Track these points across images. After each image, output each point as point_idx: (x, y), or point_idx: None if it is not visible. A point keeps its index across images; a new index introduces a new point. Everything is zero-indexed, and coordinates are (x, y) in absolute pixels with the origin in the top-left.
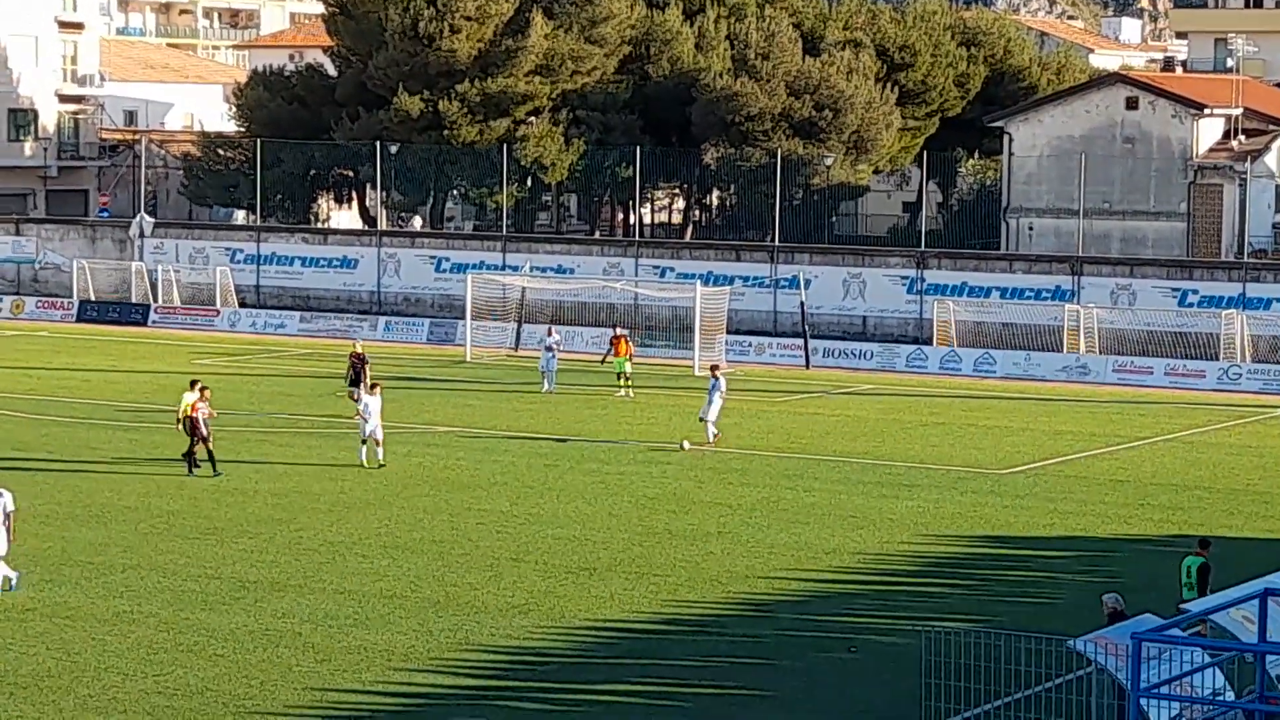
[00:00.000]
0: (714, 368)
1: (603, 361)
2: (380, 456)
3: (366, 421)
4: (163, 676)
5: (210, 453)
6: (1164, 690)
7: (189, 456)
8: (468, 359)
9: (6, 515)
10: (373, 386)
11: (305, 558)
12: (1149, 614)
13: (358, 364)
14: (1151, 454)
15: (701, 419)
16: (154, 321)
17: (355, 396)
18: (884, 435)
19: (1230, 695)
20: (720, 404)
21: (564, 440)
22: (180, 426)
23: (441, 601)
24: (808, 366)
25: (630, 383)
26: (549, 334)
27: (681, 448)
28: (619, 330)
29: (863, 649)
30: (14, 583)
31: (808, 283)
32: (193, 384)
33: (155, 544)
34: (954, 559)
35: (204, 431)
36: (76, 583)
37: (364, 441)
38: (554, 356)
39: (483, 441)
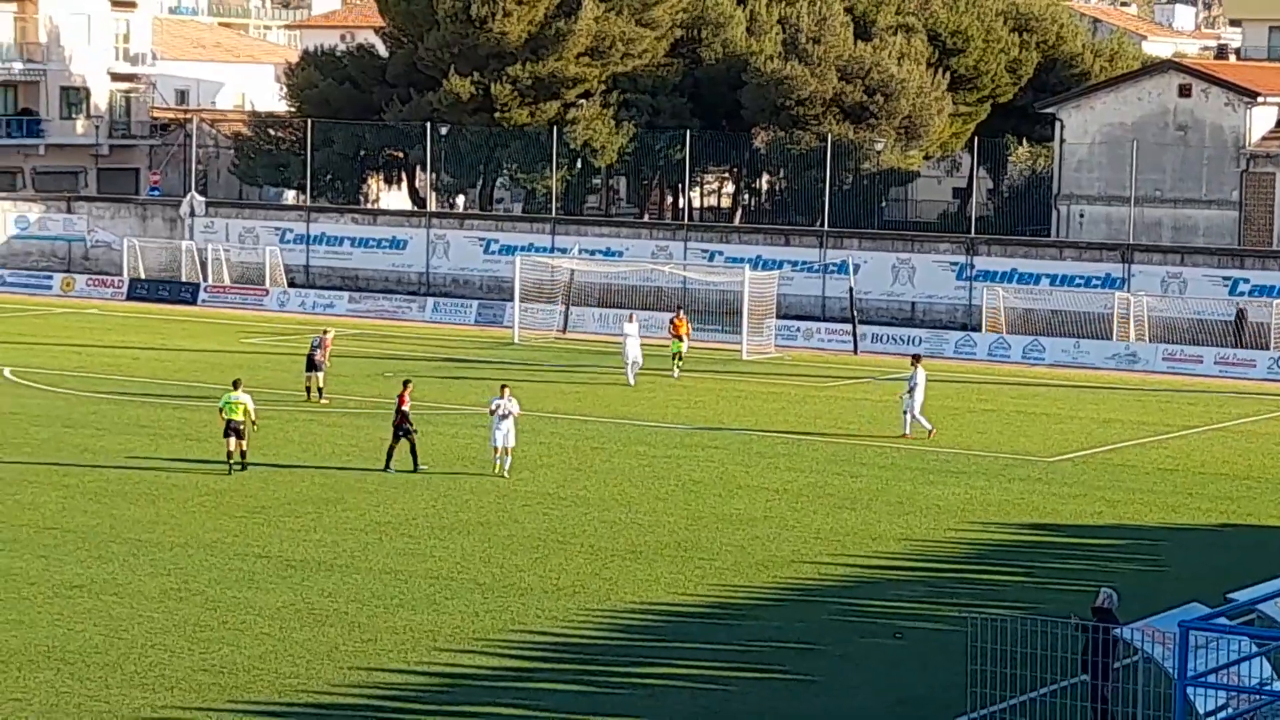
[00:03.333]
0: (915, 358)
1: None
2: (507, 466)
3: (499, 428)
4: (209, 654)
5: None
6: (1210, 679)
7: (230, 456)
8: (515, 341)
9: None
10: (503, 387)
11: (352, 538)
12: (1196, 603)
13: (317, 346)
14: (1201, 443)
15: (905, 412)
16: (203, 300)
17: (309, 381)
18: (932, 421)
19: (1277, 686)
20: (922, 397)
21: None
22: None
23: (487, 583)
24: (856, 352)
25: (681, 362)
26: (630, 320)
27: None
28: (680, 313)
29: (909, 635)
30: None
31: (857, 268)
32: (235, 384)
33: (203, 522)
34: (1001, 546)
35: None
36: (124, 560)
37: (498, 451)
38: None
39: (529, 423)
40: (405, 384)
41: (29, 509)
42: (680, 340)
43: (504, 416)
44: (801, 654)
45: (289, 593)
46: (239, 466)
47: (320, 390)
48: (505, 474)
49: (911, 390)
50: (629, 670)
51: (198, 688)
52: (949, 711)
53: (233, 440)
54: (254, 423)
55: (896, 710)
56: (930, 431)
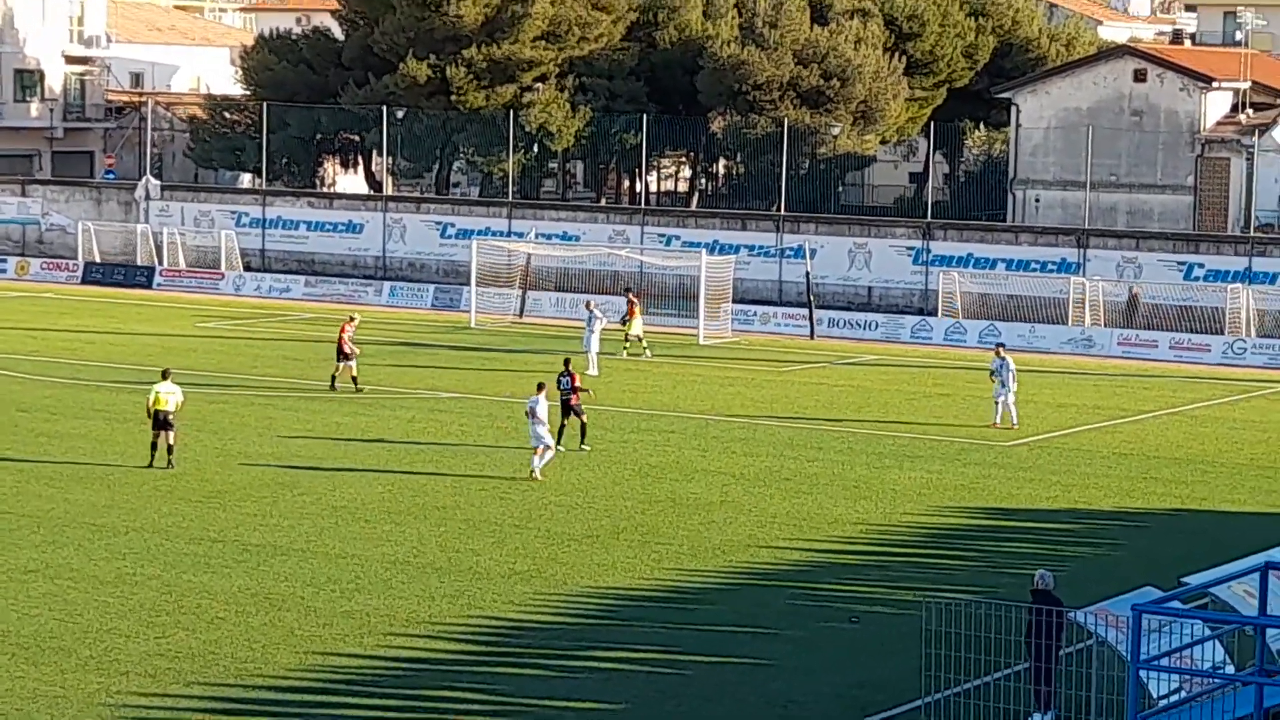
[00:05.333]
0: (999, 347)
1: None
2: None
3: (542, 427)
4: (164, 639)
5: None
6: (1164, 663)
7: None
8: (472, 325)
9: None
10: (540, 386)
11: (307, 522)
12: (1150, 586)
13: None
14: (1155, 428)
15: (997, 400)
16: (159, 284)
17: (339, 371)
18: (888, 406)
19: (1230, 669)
20: (1015, 386)
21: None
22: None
23: (444, 567)
24: (812, 336)
25: (644, 344)
26: (588, 306)
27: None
28: (631, 294)
29: (864, 619)
30: None
31: (813, 252)
32: (164, 374)
33: (158, 506)
34: (957, 530)
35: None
36: (79, 544)
37: (537, 450)
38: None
39: (486, 407)
40: (350, 318)
41: None
42: (632, 321)
43: (538, 419)
44: (758, 638)
45: (244, 577)
46: (164, 464)
47: (355, 379)
48: (539, 475)
49: (1003, 380)
50: (585, 654)
51: (153, 672)
52: (905, 695)
53: (162, 433)
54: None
55: (854, 694)
56: (1014, 425)
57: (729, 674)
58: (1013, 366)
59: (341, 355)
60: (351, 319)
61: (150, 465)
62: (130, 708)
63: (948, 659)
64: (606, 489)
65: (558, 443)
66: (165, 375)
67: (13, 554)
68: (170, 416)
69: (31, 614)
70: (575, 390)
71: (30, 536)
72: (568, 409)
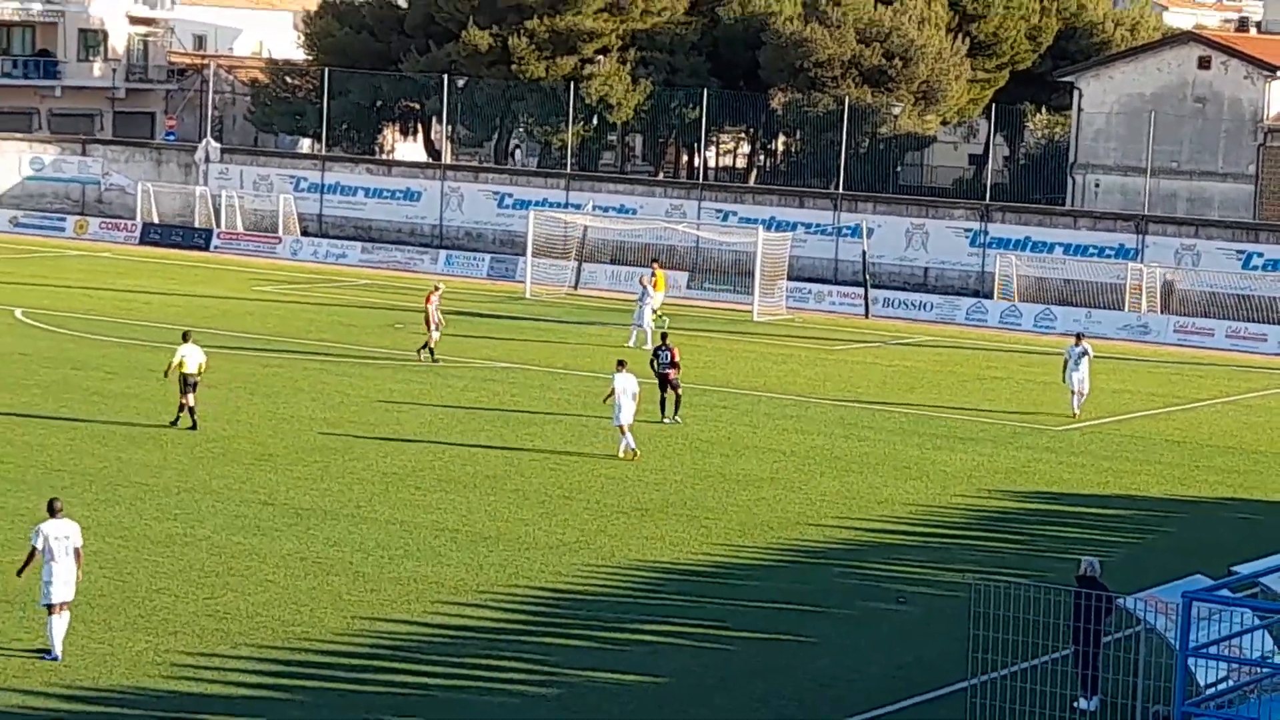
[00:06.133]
0: (1079, 336)
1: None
2: (632, 444)
3: (622, 405)
4: (213, 599)
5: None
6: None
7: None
8: (527, 295)
9: (76, 551)
10: (620, 364)
11: (358, 488)
12: (1200, 574)
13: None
14: (1209, 416)
15: (1073, 392)
16: (216, 247)
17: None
18: (941, 387)
19: (1278, 658)
20: (1087, 370)
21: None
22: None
23: (492, 536)
24: (867, 316)
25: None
26: (642, 281)
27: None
28: (657, 264)
29: (911, 600)
30: (56, 653)
31: (870, 232)
32: (185, 336)
33: (210, 468)
34: (1007, 514)
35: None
36: (130, 503)
37: (622, 429)
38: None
39: (539, 378)
40: (436, 288)
41: (36, 450)
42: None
43: (628, 394)
44: (804, 616)
45: (294, 541)
46: (189, 424)
47: (430, 349)
48: (621, 454)
49: (1078, 366)
50: (631, 627)
51: (201, 633)
52: (950, 676)
53: (189, 395)
54: (200, 375)
55: (899, 674)
56: (1075, 414)
57: (774, 650)
58: (1091, 353)
59: (430, 324)
60: (437, 288)
61: (174, 424)
62: (178, 667)
63: (994, 641)
64: (656, 463)
65: (664, 416)
66: (186, 337)
67: (66, 511)
68: (194, 378)
69: (83, 572)
70: (674, 364)
71: (82, 495)
72: (665, 383)
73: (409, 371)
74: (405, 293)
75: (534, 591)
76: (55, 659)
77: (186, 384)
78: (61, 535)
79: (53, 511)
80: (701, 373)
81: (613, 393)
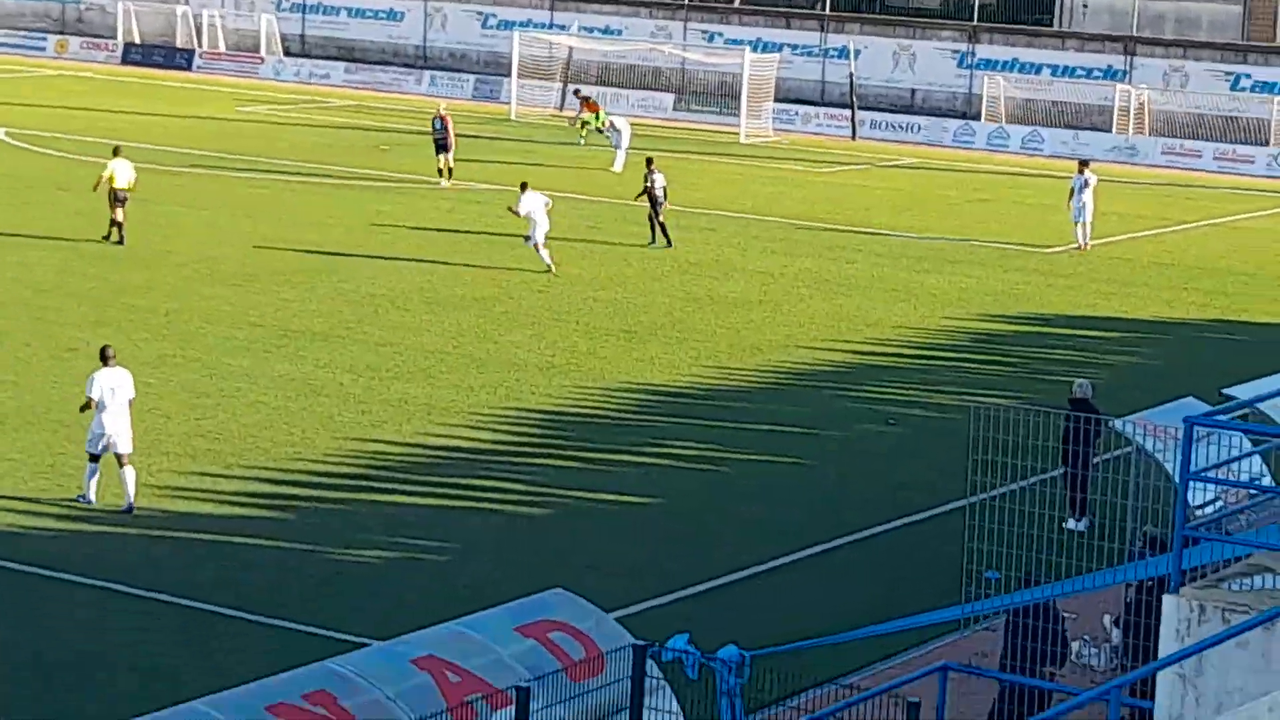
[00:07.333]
0: (1084, 164)
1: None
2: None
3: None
4: (205, 419)
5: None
6: (1210, 475)
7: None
8: (512, 117)
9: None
10: (524, 185)
11: (347, 309)
12: (1191, 398)
13: (441, 129)
14: (1197, 238)
15: (1077, 223)
16: (199, 67)
17: (441, 167)
18: (929, 210)
19: (1268, 480)
20: (1092, 204)
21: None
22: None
23: (483, 358)
24: (854, 138)
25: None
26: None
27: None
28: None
29: (902, 422)
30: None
31: (857, 53)
32: (115, 151)
33: (198, 289)
34: (995, 335)
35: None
36: (121, 324)
37: (537, 248)
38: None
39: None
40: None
41: (25, 269)
42: (594, 117)
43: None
44: (795, 437)
45: (285, 362)
46: (117, 241)
47: (450, 171)
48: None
49: (1083, 198)
50: (623, 448)
51: (193, 453)
52: (943, 497)
53: (118, 209)
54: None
55: (893, 495)
56: (1084, 247)
57: (767, 472)
58: (1094, 184)
59: (444, 148)
60: (444, 110)
61: (106, 239)
62: (170, 488)
63: (988, 464)
64: (644, 284)
65: (653, 240)
66: (117, 152)
67: (56, 332)
68: (124, 193)
69: (73, 393)
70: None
71: (72, 316)
72: (656, 205)
73: (395, 193)
74: (390, 114)
75: (525, 413)
76: (89, 502)
77: (116, 199)
78: (113, 385)
79: (105, 359)
80: (688, 195)
81: (520, 213)
